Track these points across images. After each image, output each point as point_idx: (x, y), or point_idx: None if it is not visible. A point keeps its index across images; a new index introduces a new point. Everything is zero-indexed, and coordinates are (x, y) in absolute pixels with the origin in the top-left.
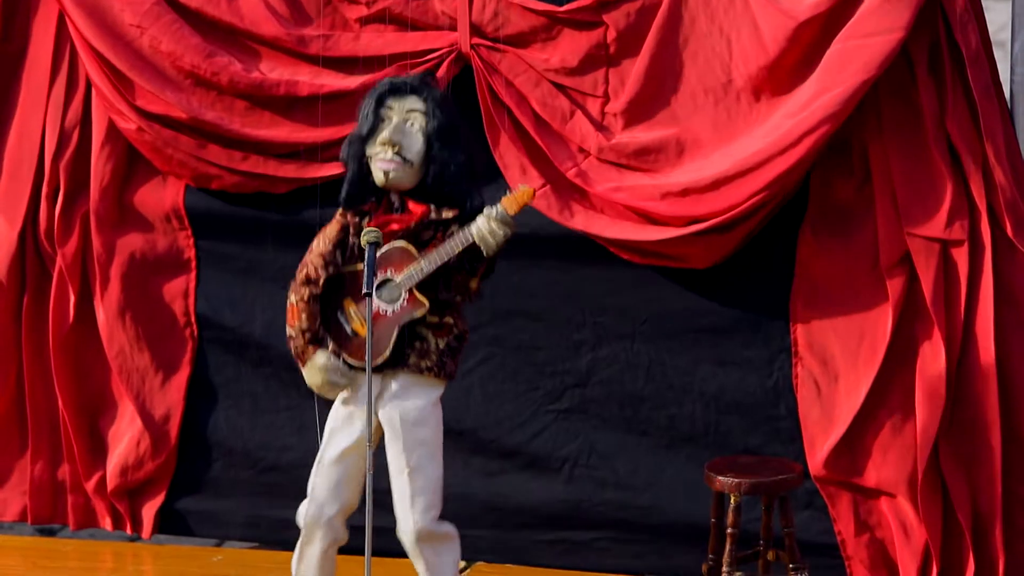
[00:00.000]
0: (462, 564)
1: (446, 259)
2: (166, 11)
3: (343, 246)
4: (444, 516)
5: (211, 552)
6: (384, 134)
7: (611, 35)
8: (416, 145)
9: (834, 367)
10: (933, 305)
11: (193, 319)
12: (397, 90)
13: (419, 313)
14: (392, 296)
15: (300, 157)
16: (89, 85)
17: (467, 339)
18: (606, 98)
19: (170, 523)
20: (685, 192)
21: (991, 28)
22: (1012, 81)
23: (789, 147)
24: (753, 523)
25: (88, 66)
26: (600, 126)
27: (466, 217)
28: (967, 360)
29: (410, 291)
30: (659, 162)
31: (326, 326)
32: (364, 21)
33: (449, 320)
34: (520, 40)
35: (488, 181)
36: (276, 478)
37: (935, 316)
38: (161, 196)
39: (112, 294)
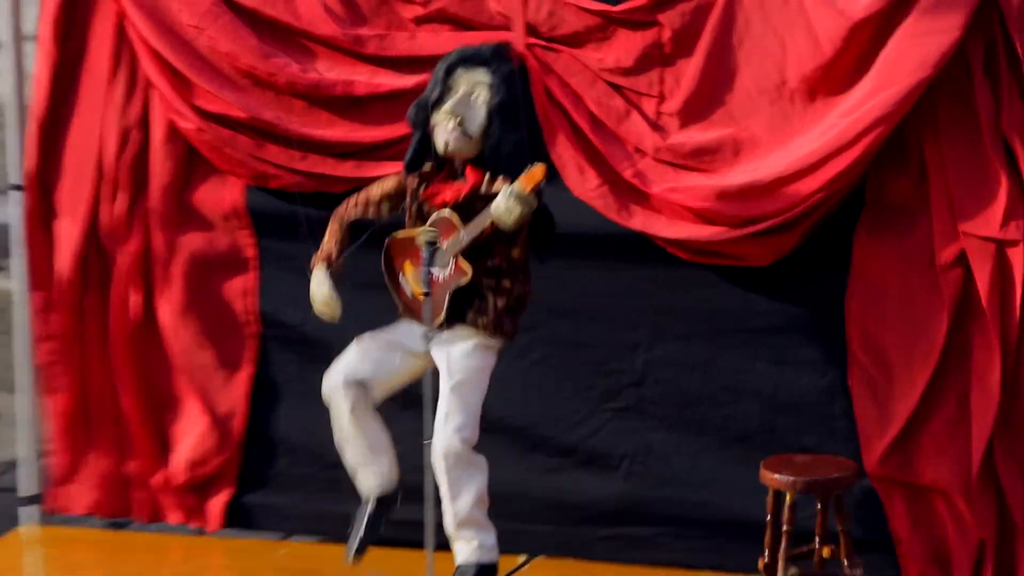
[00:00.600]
0: (521, 558)
1: (478, 232)
2: (224, 12)
3: (393, 201)
4: (503, 511)
5: (277, 546)
6: (448, 105)
7: (666, 35)
8: (478, 118)
9: (889, 367)
10: (988, 305)
11: (254, 317)
12: (468, 60)
13: (464, 281)
14: (443, 262)
15: (357, 156)
16: (148, 86)
17: (528, 301)
18: (661, 98)
19: (236, 517)
20: (742, 192)
21: None
22: None
23: (845, 147)
24: (808, 520)
25: (147, 66)
26: (656, 126)
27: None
28: (1023, 361)
29: (455, 259)
30: (716, 162)
31: (393, 287)
32: (420, 21)
33: (507, 283)
34: (575, 40)
35: (548, 180)
36: (340, 474)
37: (990, 316)
38: (221, 195)
39: (174, 293)
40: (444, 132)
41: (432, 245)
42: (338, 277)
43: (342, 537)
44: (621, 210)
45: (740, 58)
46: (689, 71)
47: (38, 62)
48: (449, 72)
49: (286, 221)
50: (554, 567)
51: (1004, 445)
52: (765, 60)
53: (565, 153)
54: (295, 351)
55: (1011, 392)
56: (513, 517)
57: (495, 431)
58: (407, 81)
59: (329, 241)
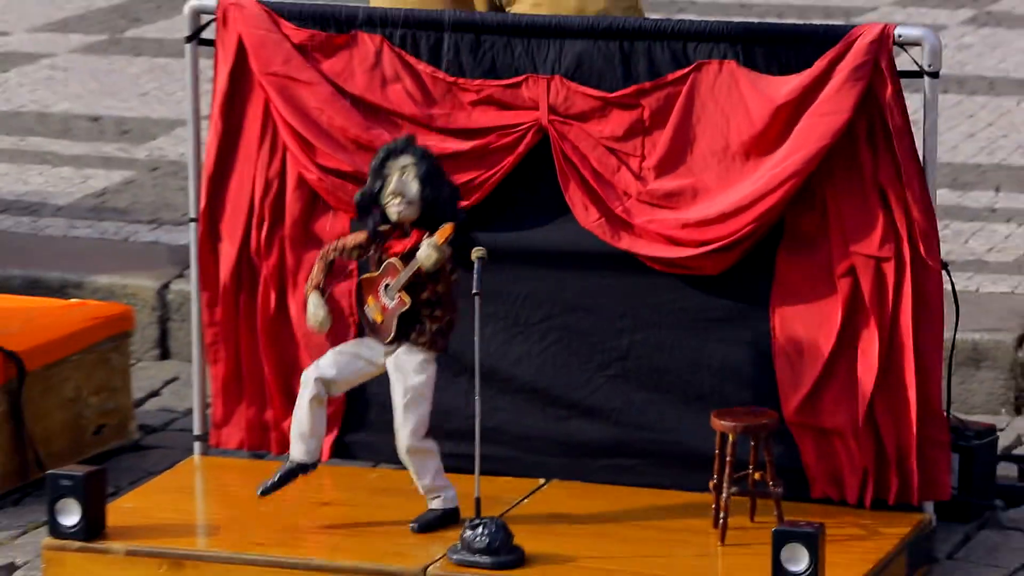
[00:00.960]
0: (541, 481)
1: (411, 273)
2: (338, 98)
3: (360, 250)
4: (528, 447)
5: (369, 472)
6: (391, 187)
7: (646, 113)
8: (413, 189)
9: (800, 345)
10: (870, 302)
11: (354, 311)
12: (391, 152)
13: (404, 309)
14: (391, 295)
15: None
16: (285, 149)
17: (455, 324)
18: (643, 157)
19: (340, 451)
20: (699, 223)
21: (910, 109)
22: (924, 147)
23: (771, 192)
24: (744, 454)
25: (284, 135)
26: (639, 177)
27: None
28: (894, 341)
29: (399, 293)
30: (680, 203)
31: (361, 315)
32: (474, 103)
33: (438, 312)
34: (582, 117)
35: (560, 213)
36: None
37: (871, 310)
38: (334, 225)
39: (299, 294)
40: (393, 208)
41: (481, 260)
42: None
43: None
44: (614, 236)
45: (698, 130)
46: (662, 138)
47: (210, 133)
48: (381, 166)
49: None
50: (565, 487)
51: (881, 400)
52: (715, 130)
53: (575, 195)
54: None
55: (885, 364)
56: (536, 452)
57: (524, 390)
58: (464, 145)
59: (318, 274)
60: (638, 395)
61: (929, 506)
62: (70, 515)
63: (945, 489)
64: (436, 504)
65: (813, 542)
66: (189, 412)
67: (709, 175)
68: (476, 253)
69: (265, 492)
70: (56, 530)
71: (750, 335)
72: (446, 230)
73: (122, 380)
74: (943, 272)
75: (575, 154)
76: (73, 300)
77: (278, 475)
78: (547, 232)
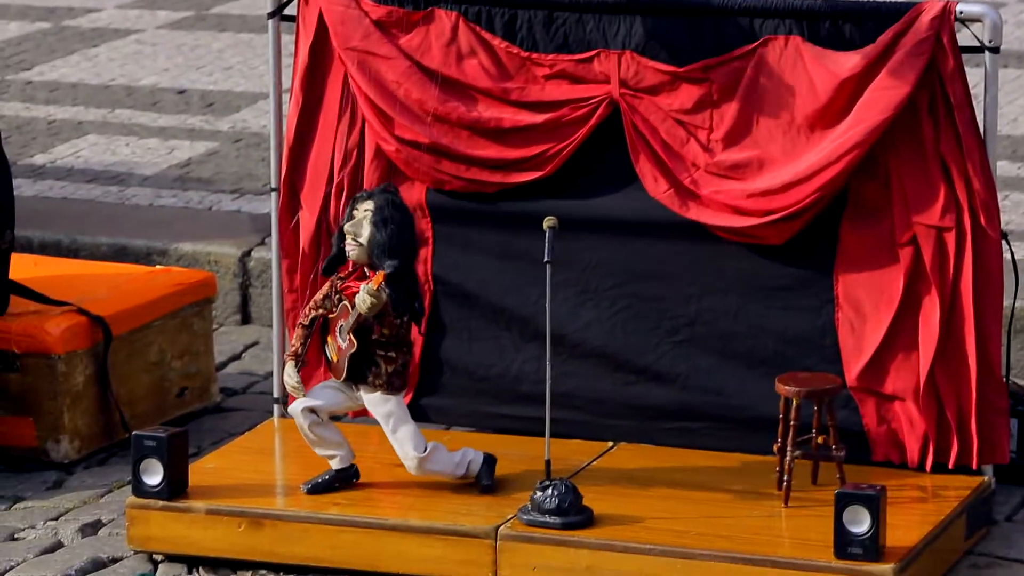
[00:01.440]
0: (610, 444)
1: (356, 315)
2: (415, 72)
3: (330, 300)
4: (598, 411)
5: (443, 434)
6: (347, 225)
7: (714, 87)
8: (365, 232)
9: (863, 313)
10: (931, 271)
11: (430, 277)
12: (359, 198)
13: (353, 350)
14: (343, 337)
15: (503, 168)
16: (364, 121)
17: (410, 364)
18: (711, 130)
19: (415, 414)
20: (764, 194)
21: (971, 83)
22: (985, 120)
23: (834, 162)
24: (808, 418)
25: (363, 108)
26: (706, 149)
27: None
28: (955, 309)
29: (349, 334)
30: (746, 174)
31: (324, 355)
32: (547, 77)
33: (392, 353)
34: (652, 90)
35: (630, 184)
36: (484, 385)
37: (932, 279)
38: (410, 195)
39: None
40: (347, 246)
41: (553, 230)
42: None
43: (486, 428)
44: (682, 206)
45: (764, 103)
46: (729, 112)
47: (291, 105)
48: (352, 207)
49: (453, 212)
50: (632, 449)
51: (941, 367)
52: (780, 104)
53: (645, 166)
54: (455, 301)
55: (946, 331)
56: (604, 415)
57: (593, 356)
58: (538, 118)
59: (295, 343)
60: (704, 360)
61: (988, 469)
62: (153, 475)
63: (1004, 453)
64: (482, 473)
65: (875, 504)
66: (269, 375)
67: (774, 147)
68: (548, 223)
69: (312, 491)
70: (140, 489)
71: (814, 302)
72: (378, 278)
73: (204, 344)
74: (1003, 242)
75: (645, 127)
76: (158, 267)
77: (321, 481)
78: (617, 202)
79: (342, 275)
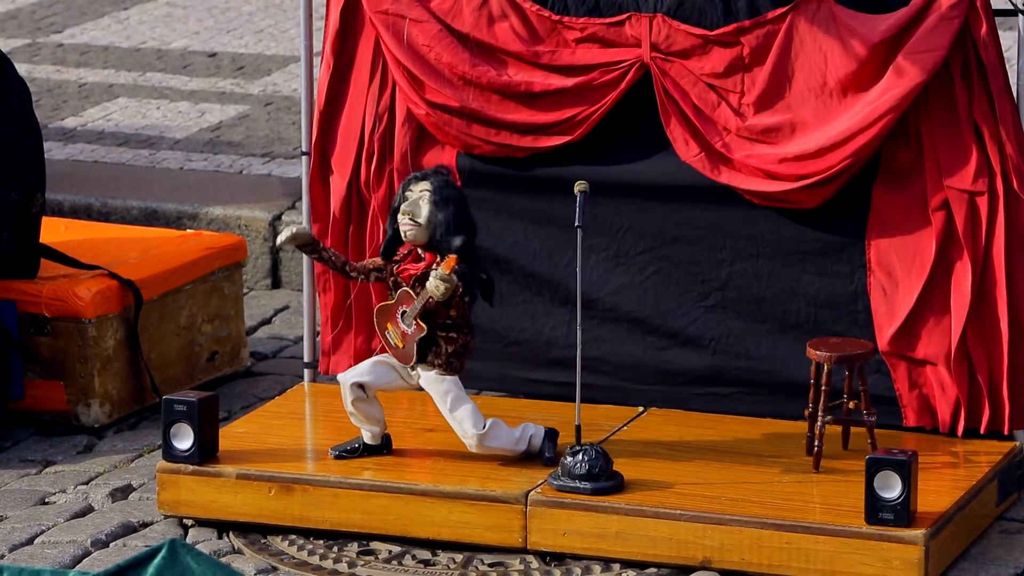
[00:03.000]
0: (640, 409)
1: (424, 301)
2: (446, 35)
3: (378, 272)
4: (628, 376)
5: (473, 398)
6: (404, 205)
7: (746, 51)
8: (424, 212)
9: (895, 277)
10: (963, 236)
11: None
12: (415, 178)
13: (422, 334)
14: (408, 322)
15: (533, 132)
16: (394, 85)
17: (471, 347)
18: (742, 94)
19: None
20: (797, 158)
21: (1004, 46)
22: (1018, 84)
23: (867, 127)
24: (839, 383)
25: (394, 71)
26: (738, 112)
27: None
28: (987, 274)
29: (415, 320)
30: (778, 138)
31: (384, 342)
32: (578, 41)
33: (454, 335)
34: (683, 54)
35: (661, 148)
36: (515, 349)
37: (965, 244)
38: (440, 158)
39: None
40: (403, 227)
41: (584, 194)
42: (309, 250)
43: (516, 392)
44: (713, 170)
45: (796, 66)
46: (761, 75)
47: (322, 69)
48: (405, 188)
49: (484, 176)
50: (663, 414)
51: (973, 331)
52: (813, 67)
53: (676, 130)
54: (489, 265)
55: (978, 295)
56: (635, 380)
57: (624, 320)
58: (568, 82)
59: (335, 257)
60: (735, 325)
61: (1020, 435)
62: (184, 439)
63: None
64: (544, 447)
65: (906, 469)
66: (299, 340)
67: (807, 111)
68: (579, 187)
69: (339, 456)
70: (170, 453)
71: (846, 267)
72: (451, 261)
73: (235, 308)
74: None
75: (676, 90)
76: (188, 231)
77: (349, 449)
78: (648, 166)
79: (396, 258)
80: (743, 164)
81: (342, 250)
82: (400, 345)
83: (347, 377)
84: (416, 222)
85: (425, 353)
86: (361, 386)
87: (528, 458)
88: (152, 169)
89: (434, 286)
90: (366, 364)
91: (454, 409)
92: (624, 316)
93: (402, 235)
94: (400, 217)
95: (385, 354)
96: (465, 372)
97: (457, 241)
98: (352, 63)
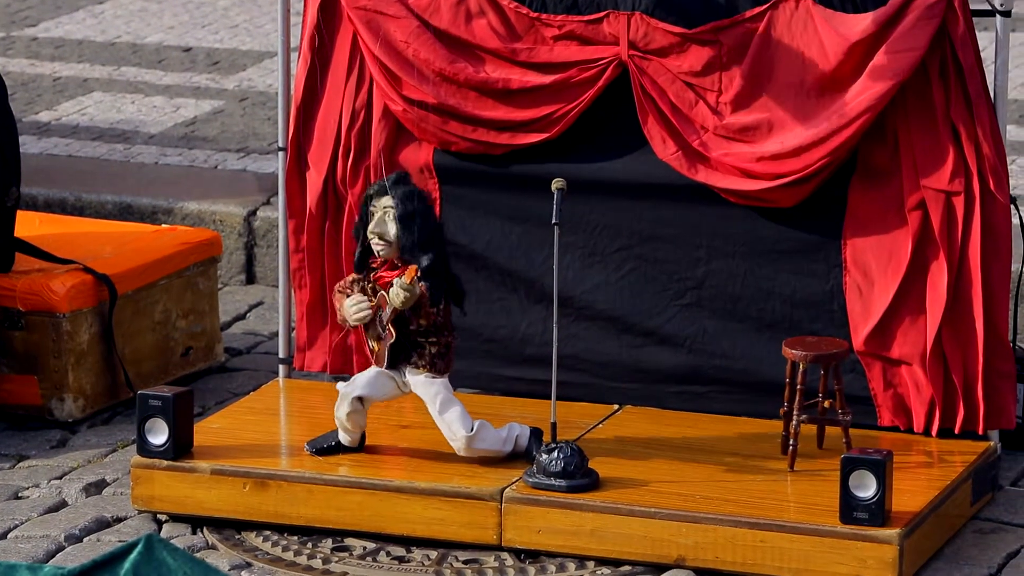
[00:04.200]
0: (615, 407)
1: (390, 309)
2: (424, 31)
3: (358, 283)
4: (603, 374)
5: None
6: (371, 226)
7: (724, 49)
8: (392, 230)
9: (871, 277)
10: (940, 236)
11: None
12: (376, 192)
13: (392, 341)
14: (383, 328)
15: (511, 129)
16: (371, 80)
17: (453, 346)
18: (720, 92)
19: None
20: (774, 157)
21: (981, 47)
22: (995, 84)
23: (844, 127)
24: (814, 382)
25: (371, 68)
26: (715, 111)
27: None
28: (962, 274)
29: (388, 326)
30: (756, 137)
31: (369, 350)
32: (556, 38)
33: (433, 339)
34: (661, 52)
35: (638, 146)
36: (491, 347)
37: (941, 244)
38: (417, 155)
39: None
40: (374, 246)
41: (561, 191)
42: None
43: (492, 390)
44: (691, 168)
45: (774, 65)
46: (739, 74)
47: (299, 64)
48: (367, 203)
49: (460, 173)
50: (638, 412)
51: (949, 332)
52: (791, 66)
53: (653, 129)
54: (465, 262)
55: (954, 295)
56: (609, 378)
57: (600, 319)
58: (546, 79)
59: (348, 286)
60: (711, 324)
61: (994, 435)
62: (158, 434)
63: (1010, 418)
64: (531, 446)
65: (881, 469)
66: (274, 336)
67: (784, 110)
68: (556, 184)
69: (317, 453)
70: (145, 449)
71: (822, 266)
72: (411, 271)
73: (209, 304)
74: (1012, 206)
75: (654, 88)
76: (163, 226)
77: (325, 445)
78: (625, 164)
79: (374, 265)
80: (720, 163)
81: (318, 246)
82: (376, 349)
83: (349, 390)
84: (386, 241)
85: (410, 355)
86: (360, 399)
87: (512, 458)
88: (127, 164)
89: (394, 294)
90: (367, 376)
91: (443, 411)
92: (600, 314)
93: (375, 253)
94: (370, 236)
95: (379, 368)
96: None
97: (425, 260)
98: (329, 59)
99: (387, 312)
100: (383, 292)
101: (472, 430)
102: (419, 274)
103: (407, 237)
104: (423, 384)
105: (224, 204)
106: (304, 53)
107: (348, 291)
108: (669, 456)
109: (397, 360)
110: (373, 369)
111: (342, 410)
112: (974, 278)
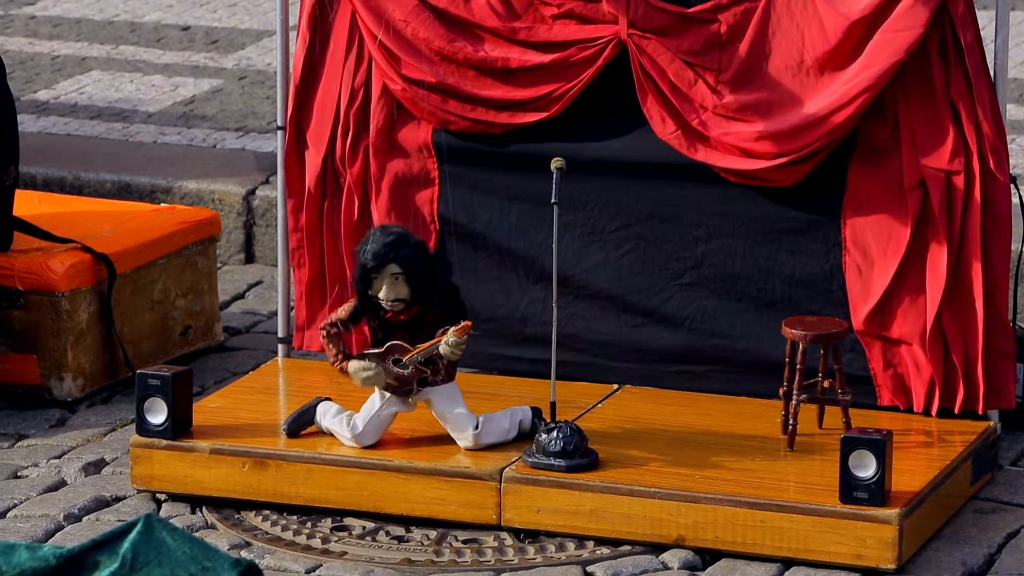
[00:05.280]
0: (615, 386)
1: (428, 355)
2: (423, 11)
3: (354, 318)
4: (602, 353)
5: None
6: (382, 295)
7: (723, 28)
8: (405, 292)
9: (871, 257)
10: (939, 215)
11: (436, 218)
12: (376, 264)
13: (421, 375)
14: (404, 368)
15: (510, 109)
16: (370, 59)
17: (456, 363)
18: (719, 71)
19: None
20: (773, 136)
21: (981, 24)
22: (995, 63)
23: (844, 106)
24: (814, 362)
25: (370, 47)
26: (715, 90)
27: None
28: (962, 253)
29: (413, 366)
30: (755, 116)
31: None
32: (555, 17)
33: (442, 363)
34: (661, 31)
35: (638, 125)
36: (490, 326)
37: (940, 223)
38: (416, 134)
39: (383, 201)
40: (389, 307)
41: (560, 171)
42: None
43: (491, 369)
44: (690, 147)
45: (773, 44)
46: (738, 53)
47: (298, 43)
48: (367, 272)
49: (459, 152)
50: (637, 392)
51: (948, 311)
52: (790, 46)
53: (652, 108)
54: (462, 241)
55: (953, 275)
56: (609, 358)
57: (599, 298)
58: (545, 58)
59: (334, 349)
60: (711, 303)
61: (994, 414)
62: (157, 414)
63: (1010, 398)
64: (535, 426)
65: (880, 449)
66: (273, 315)
67: (783, 89)
68: (555, 163)
69: (291, 432)
70: (144, 428)
71: (821, 246)
72: (466, 328)
73: (208, 283)
74: (1011, 185)
75: (653, 68)
76: (162, 205)
77: (306, 418)
78: (624, 143)
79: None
80: (719, 142)
81: (316, 225)
82: (394, 384)
83: (348, 437)
84: (402, 301)
85: (426, 376)
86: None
87: (518, 438)
88: (125, 143)
89: (448, 352)
90: (366, 424)
91: (448, 412)
92: (599, 293)
93: (387, 310)
94: (385, 304)
95: (374, 404)
96: None
97: (448, 300)
98: (328, 38)
99: (417, 356)
100: (398, 343)
101: (478, 427)
102: (472, 330)
103: (425, 293)
104: (433, 392)
105: (223, 183)
106: (303, 32)
107: (331, 330)
108: (668, 436)
109: (423, 381)
110: (382, 410)
111: (340, 439)
112: (974, 258)
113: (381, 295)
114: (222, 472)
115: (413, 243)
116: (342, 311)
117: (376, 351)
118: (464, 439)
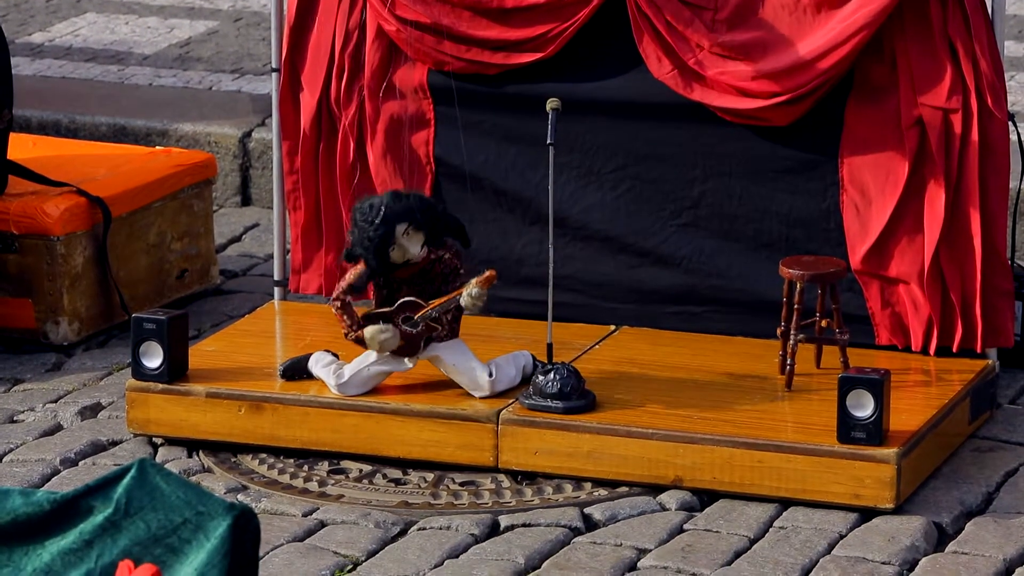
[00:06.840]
0: (612, 327)
1: (444, 311)
2: None
3: (363, 280)
4: (599, 294)
5: None
6: (410, 255)
7: None
8: (420, 237)
9: (868, 195)
10: (937, 153)
11: (432, 160)
12: (389, 227)
13: (430, 333)
14: (414, 326)
15: (505, 49)
16: (365, 0)
17: (460, 317)
18: (715, 10)
19: None
20: (769, 75)
21: None
22: (993, 1)
23: (841, 44)
24: (811, 301)
25: None
26: (711, 29)
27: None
28: (960, 192)
29: (423, 323)
30: (751, 55)
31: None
32: None
33: (449, 315)
34: None
35: (634, 65)
36: (486, 267)
37: (938, 161)
38: (411, 76)
39: (378, 143)
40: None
41: (556, 112)
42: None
43: (489, 311)
44: (686, 87)
45: None
46: None
47: None
48: (382, 238)
49: (454, 94)
50: (635, 333)
51: (946, 250)
52: None
53: (648, 47)
54: (457, 183)
55: (951, 213)
56: (606, 299)
57: (596, 239)
58: None
59: (350, 320)
60: (708, 243)
61: (992, 353)
62: (153, 357)
63: (1008, 336)
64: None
65: (878, 388)
66: (269, 258)
67: (780, 27)
68: (551, 104)
69: (287, 376)
70: (139, 372)
71: (819, 185)
72: (491, 278)
73: (204, 226)
74: (1009, 123)
75: (649, 7)
76: (158, 148)
77: (296, 368)
78: (621, 83)
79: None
80: (716, 81)
81: (312, 168)
82: (401, 343)
83: (333, 385)
84: (415, 253)
85: (431, 333)
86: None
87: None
88: (121, 85)
89: (472, 304)
90: (365, 376)
91: (462, 364)
92: (596, 234)
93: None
94: (416, 259)
95: (365, 360)
96: None
97: (454, 239)
98: None
99: (430, 312)
100: (410, 299)
101: (491, 375)
102: (496, 280)
103: (437, 228)
104: (440, 347)
105: (219, 126)
106: None
107: (344, 299)
108: (666, 377)
109: (428, 340)
110: (372, 365)
111: (326, 383)
112: (972, 195)
113: (409, 255)
114: (218, 415)
115: (395, 195)
116: (350, 276)
117: (385, 310)
118: (479, 389)
